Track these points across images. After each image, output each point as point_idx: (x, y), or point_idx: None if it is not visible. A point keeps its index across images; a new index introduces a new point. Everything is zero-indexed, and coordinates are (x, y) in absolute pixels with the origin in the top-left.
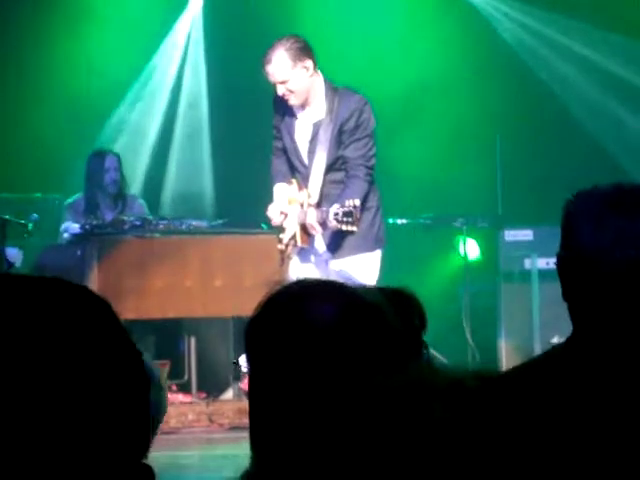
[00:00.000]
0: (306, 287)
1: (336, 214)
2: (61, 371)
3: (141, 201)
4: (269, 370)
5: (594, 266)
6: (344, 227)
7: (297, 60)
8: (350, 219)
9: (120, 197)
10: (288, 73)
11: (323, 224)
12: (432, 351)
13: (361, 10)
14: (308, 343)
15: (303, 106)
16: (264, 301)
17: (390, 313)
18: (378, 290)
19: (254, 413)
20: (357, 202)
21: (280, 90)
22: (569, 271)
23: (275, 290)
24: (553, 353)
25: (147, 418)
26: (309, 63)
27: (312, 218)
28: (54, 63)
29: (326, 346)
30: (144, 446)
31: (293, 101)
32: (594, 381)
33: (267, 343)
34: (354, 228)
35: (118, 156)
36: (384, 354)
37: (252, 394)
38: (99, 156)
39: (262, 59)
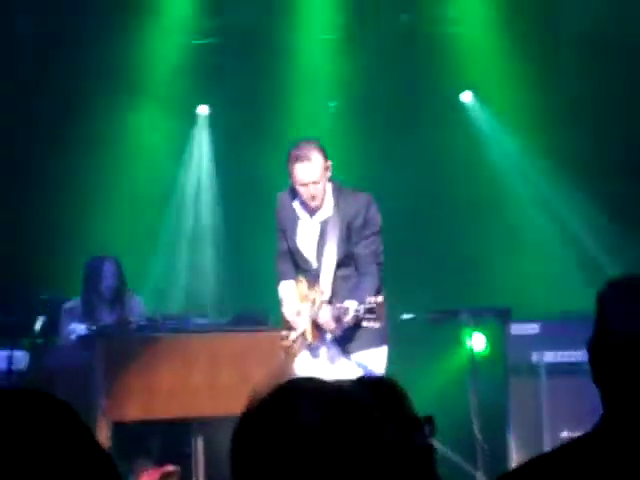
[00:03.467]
0: (294, 389)
1: (357, 310)
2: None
3: (138, 298)
4: (254, 471)
5: (625, 351)
6: (365, 323)
7: (325, 161)
8: (373, 315)
9: (117, 301)
10: (321, 173)
11: (338, 321)
12: (440, 445)
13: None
14: (294, 444)
15: (313, 207)
16: (251, 402)
17: (375, 408)
18: (363, 384)
19: None
20: (380, 299)
21: (310, 190)
22: (600, 356)
23: (261, 392)
24: (585, 438)
25: None
26: (329, 164)
27: (326, 315)
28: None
29: (312, 447)
30: None
31: (316, 202)
32: (628, 464)
33: (253, 445)
34: (377, 324)
35: (117, 261)
36: (372, 452)
37: None
38: (97, 262)
39: (294, 156)
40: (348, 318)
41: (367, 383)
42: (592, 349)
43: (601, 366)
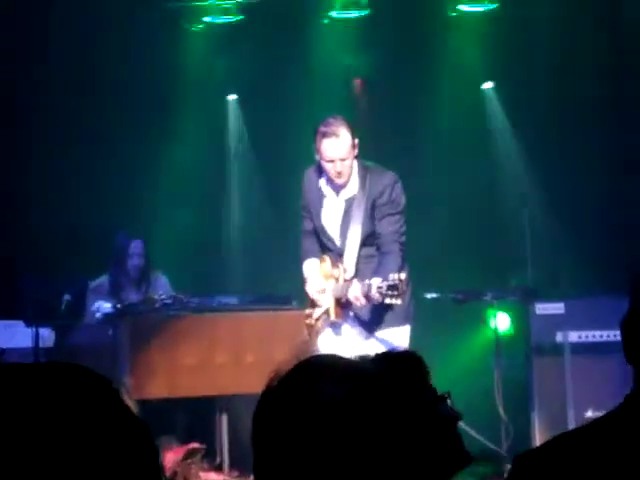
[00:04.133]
0: (315, 365)
1: (380, 287)
2: (70, 456)
3: (164, 278)
4: (275, 448)
5: None
6: (388, 300)
7: (354, 138)
8: (396, 292)
9: (144, 279)
10: (349, 150)
11: (366, 297)
12: (463, 424)
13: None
14: (314, 420)
15: (339, 184)
16: (272, 379)
17: (398, 382)
18: (387, 358)
19: None
20: (402, 276)
21: (337, 167)
22: (633, 334)
23: (283, 368)
24: (609, 417)
25: None
26: (357, 142)
27: (356, 290)
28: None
29: (333, 422)
30: None
31: (342, 179)
32: None
33: (274, 422)
34: (399, 301)
35: (143, 240)
36: (394, 426)
37: (257, 472)
38: (124, 240)
39: (322, 132)
40: (372, 294)
41: (392, 357)
42: (625, 328)
43: (634, 346)
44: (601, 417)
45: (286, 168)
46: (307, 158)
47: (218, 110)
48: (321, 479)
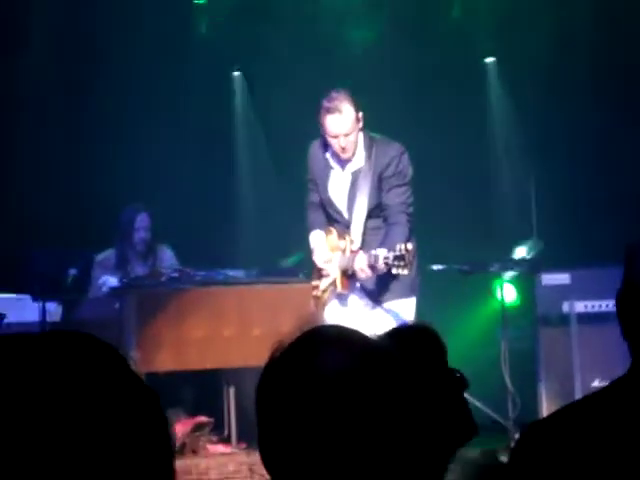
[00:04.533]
0: (319, 335)
1: (386, 257)
2: (80, 423)
3: (170, 251)
4: (278, 419)
5: None
6: (394, 270)
7: (357, 112)
8: (402, 262)
9: (150, 253)
10: (353, 125)
11: (372, 268)
12: (470, 396)
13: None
14: (318, 392)
15: (344, 158)
16: (276, 350)
17: (410, 357)
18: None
19: (266, 462)
20: (410, 246)
21: (341, 142)
22: (629, 308)
23: (286, 340)
24: (610, 389)
25: (170, 456)
26: (361, 115)
27: (362, 262)
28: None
29: (335, 393)
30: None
31: (347, 154)
32: None
33: (276, 393)
34: (406, 271)
35: (149, 214)
36: (398, 402)
37: (262, 444)
38: (131, 213)
39: (325, 108)
40: (379, 265)
41: (404, 331)
42: (620, 303)
43: (630, 320)
44: (602, 389)
45: (293, 141)
46: (314, 130)
47: (223, 86)
48: (324, 451)
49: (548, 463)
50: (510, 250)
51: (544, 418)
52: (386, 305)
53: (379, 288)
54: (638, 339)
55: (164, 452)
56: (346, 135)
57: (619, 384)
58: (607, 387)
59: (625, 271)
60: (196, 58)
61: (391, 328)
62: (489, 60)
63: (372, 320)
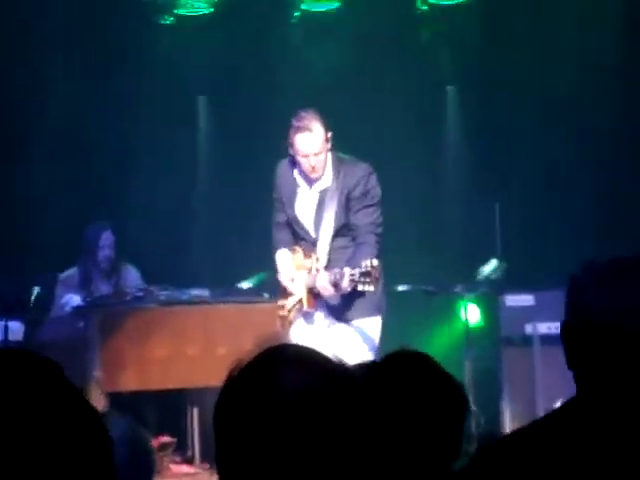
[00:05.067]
0: (278, 354)
1: (352, 274)
2: (13, 437)
3: (135, 270)
4: (235, 438)
5: (598, 333)
6: (360, 287)
7: (327, 131)
8: (368, 279)
9: (114, 271)
10: (323, 144)
11: (335, 286)
12: None
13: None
14: (275, 412)
15: (313, 178)
16: (234, 369)
17: (362, 384)
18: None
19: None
20: (375, 262)
21: (311, 161)
22: (573, 338)
23: (245, 359)
24: (552, 416)
25: (110, 470)
26: (330, 135)
27: (324, 280)
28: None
29: (293, 415)
30: None
31: (317, 173)
32: (592, 444)
33: (233, 412)
34: (372, 288)
35: (114, 231)
36: (353, 426)
37: (219, 463)
38: (95, 231)
39: (295, 127)
40: (344, 283)
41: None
42: (565, 333)
43: (574, 350)
44: (545, 417)
45: (258, 162)
46: (277, 153)
47: (188, 107)
48: (281, 471)
49: None
50: (474, 271)
51: (489, 445)
52: (352, 323)
53: (345, 306)
54: (582, 369)
55: (103, 466)
56: (316, 154)
57: (562, 412)
58: (549, 415)
59: (569, 300)
60: (162, 78)
61: (387, 356)
62: (450, 87)
63: (338, 339)
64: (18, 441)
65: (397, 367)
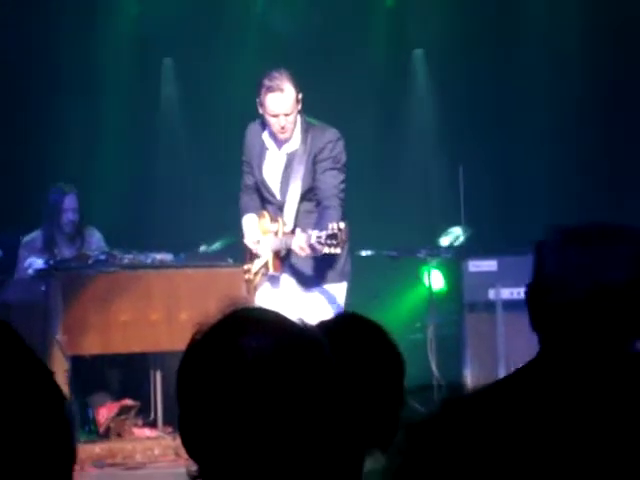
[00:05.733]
0: (240, 317)
1: (319, 237)
2: None
3: (98, 234)
4: (197, 401)
5: (556, 296)
6: (327, 249)
7: (298, 92)
8: (334, 241)
9: (78, 235)
10: (293, 105)
11: (310, 247)
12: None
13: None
14: (237, 374)
15: (282, 139)
16: (197, 332)
17: (328, 346)
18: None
19: (186, 444)
20: (342, 225)
21: (281, 122)
22: (534, 300)
23: (208, 322)
24: (514, 376)
25: (65, 430)
26: (301, 97)
27: (301, 240)
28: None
29: (256, 378)
30: (67, 458)
31: (286, 134)
32: (551, 401)
33: (196, 375)
34: (338, 250)
35: (78, 194)
36: (318, 388)
37: (182, 428)
38: (58, 194)
39: (266, 86)
40: (313, 244)
41: (337, 321)
42: (529, 296)
43: (537, 312)
44: (507, 377)
45: (227, 124)
46: (244, 116)
47: (152, 69)
48: (244, 434)
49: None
50: (438, 236)
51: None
52: (318, 289)
53: (310, 271)
54: (545, 331)
55: (57, 425)
56: (286, 115)
57: (525, 371)
58: (512, 375)
59: (533, 263)
60: (127, 41)
61: (323, 319)
62: (417, 50)
63: (304, 302)
64: None
65: (341, 329)
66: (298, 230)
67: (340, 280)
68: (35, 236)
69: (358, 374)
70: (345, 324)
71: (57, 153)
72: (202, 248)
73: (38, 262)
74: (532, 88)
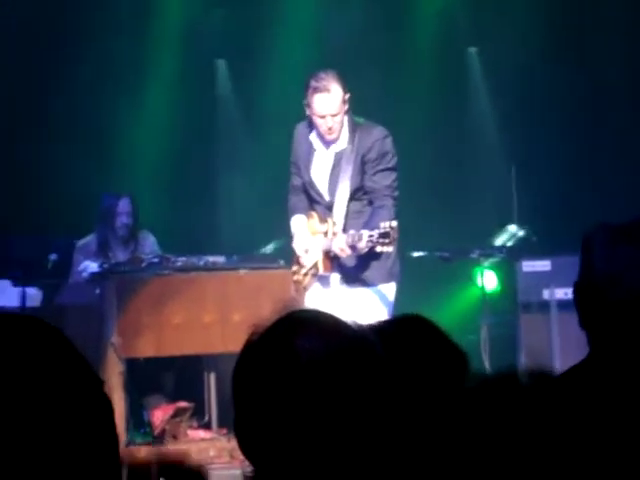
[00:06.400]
0: (295, 319)
1: (371, 236)
2: (18, 404)
3: (152, 237)
4: (253, 403)
5: (605, 294)
6: (379, 248)
7: (345, 93)
8: (387, 240)
9: (132, 238)
10: (341, 106)
11: (352, 247)
12: None
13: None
14: (292, 376)
15: (329, 140)
16: (252, 334)
17: (380, 347)
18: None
19: (242, 446)
20: (394, 223)
21: (328, 122)
22: (584, 299)
23: (263, 324)
24: (565, 375)
25: (112, 440)
26: (348, 97)
27: (341, 242)
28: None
29: (312, 381)
30: (114, 467)
31: (334, 135)
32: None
33: (252, 377)
34: (390, 248)
35: (132, 198)
36: (371, 390)
37: (237, 428)
38: (113, 198)
39: (313, 87)
40: (362, 244)
41: (393, 323)
42: (578, 293)
43: (587, 310)
44: (558, 376)
45: (276, 126)
46: (295, 117)
47: (206, 72)
48: (299, 436)
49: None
50: (491, 237)
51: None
52: (367, 289)
53: (360, 271)
54: (595, 329)
55: (106, 435)
56: (333, 115)
57: (576, 371)
58: (563, 374)
59: (582, 261)
60: (180, 44)
61: (381, 320)
62: (472, 49)
63: (354, 302)
64: (16, 407)
65: (401, 331)
66: (339, 232)
67: (389, 280)
68: (89, 240)
69: (422, 376)
70: (407, 326)
71: (111, 156)
72: (259, 250)
73: (92, 266)
74: (589, 86)
